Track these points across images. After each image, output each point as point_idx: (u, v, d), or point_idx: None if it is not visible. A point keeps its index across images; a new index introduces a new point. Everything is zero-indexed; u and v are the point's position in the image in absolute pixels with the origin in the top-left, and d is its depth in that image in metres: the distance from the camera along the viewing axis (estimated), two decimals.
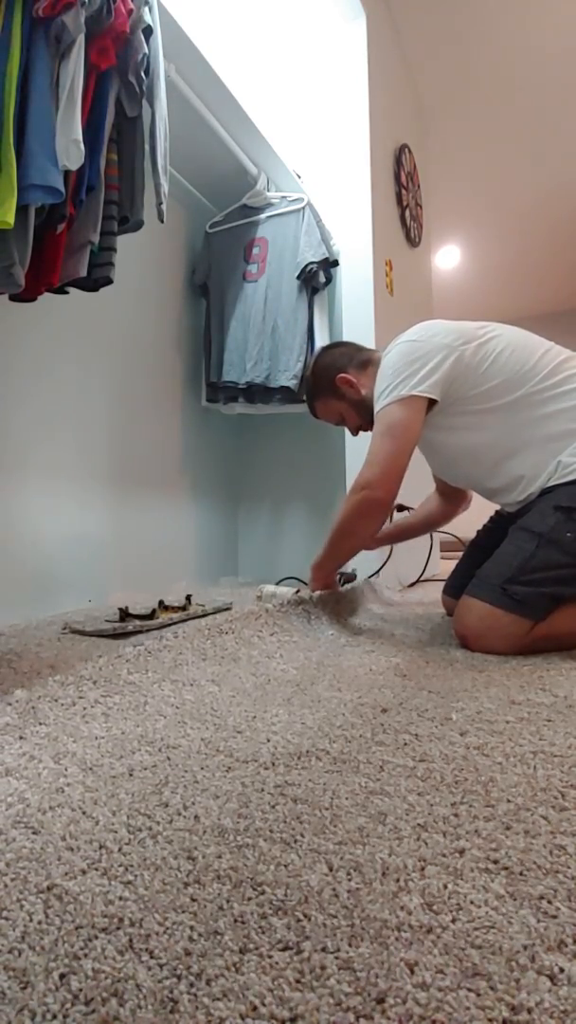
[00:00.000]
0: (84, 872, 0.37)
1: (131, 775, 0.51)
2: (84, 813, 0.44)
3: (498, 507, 1.36)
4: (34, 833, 0.41)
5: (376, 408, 1.16)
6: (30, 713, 0.64)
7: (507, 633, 1.01)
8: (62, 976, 0.29)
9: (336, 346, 1.42)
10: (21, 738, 0.58)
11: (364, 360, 1.34)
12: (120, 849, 0.40)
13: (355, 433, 1.43)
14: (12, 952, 0.30)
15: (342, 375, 1.32)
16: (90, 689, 0.71)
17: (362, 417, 1.35)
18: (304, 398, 1.91)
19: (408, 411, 1.11)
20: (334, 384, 1.33)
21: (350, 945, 0.31)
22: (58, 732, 0.60)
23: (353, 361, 1.34)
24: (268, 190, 1.99)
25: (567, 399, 1.09)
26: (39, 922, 0.33)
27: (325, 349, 1.44)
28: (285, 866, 0.38)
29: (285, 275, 1.95)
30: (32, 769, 0.51)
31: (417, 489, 1.63)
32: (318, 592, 1.30)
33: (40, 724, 0.62)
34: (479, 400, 1.13)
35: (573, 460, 1.06)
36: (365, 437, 1.95)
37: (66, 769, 0.52)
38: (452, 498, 1.53)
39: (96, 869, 0.38)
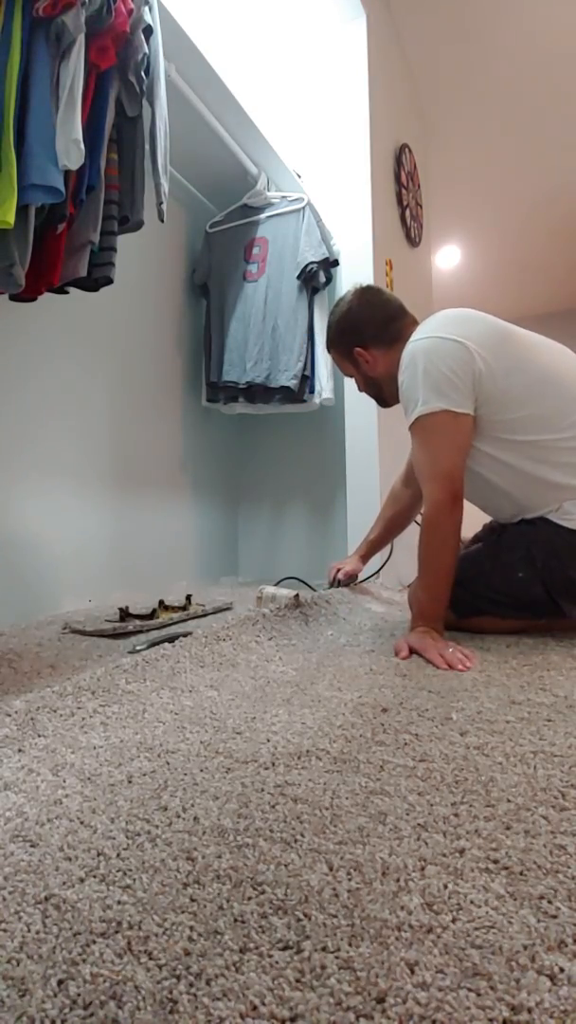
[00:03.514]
0: (82, 880, 0.37)
1: (130, 782, 0.51)
2: (82, 823, 0.44)
3: None
4: (32, 846, 0.41)
5: (415, 415, 1.08)
6: (29, 725, 0.63)
7: None
8: (60, 982, 0.29)
9: (372, 299, 1.27)
10: (20, 751, 0.58)
11: (394, 336, 1.22)
12: (118, 855, 0.40)
13: (360, 391, 1.37)
14: (11, 962, 0.30)
15: (360, 350, 1.25)
16: (88, 699, 0.71)
17: (369, 391, 1.32)
18: (304, 398, 1.92)
19: (467, 426, 1.06)
20: (351, 352, 1.27)
21: (350, 945, 0.31)
22: (56, 744, 0.60)
23: (381, 336, 1.23)
24: (268, 190, 1.99)
25: None
26: (37, 931, 0.33)
27: (361, 297, 1.27)
28: (285, 866, 0.38)
29: (285, 275, 1.95)
30: (30, 782, 0.51)
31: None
32: (316, 594, 1.30)
33: (39, 736, 0.62)
34: (500, 428, 1.08)
35: (572, 491, 1.05)
36: (364, 436, 1.95)
37: (64, 780, 0.52)
38: (417, 485, 1.41)
39: (94, 876, 0.38)
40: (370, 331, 1.24)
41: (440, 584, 1.06)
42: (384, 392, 1.29)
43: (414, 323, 1.23)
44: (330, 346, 1.35)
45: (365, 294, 1.29)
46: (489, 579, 1.11)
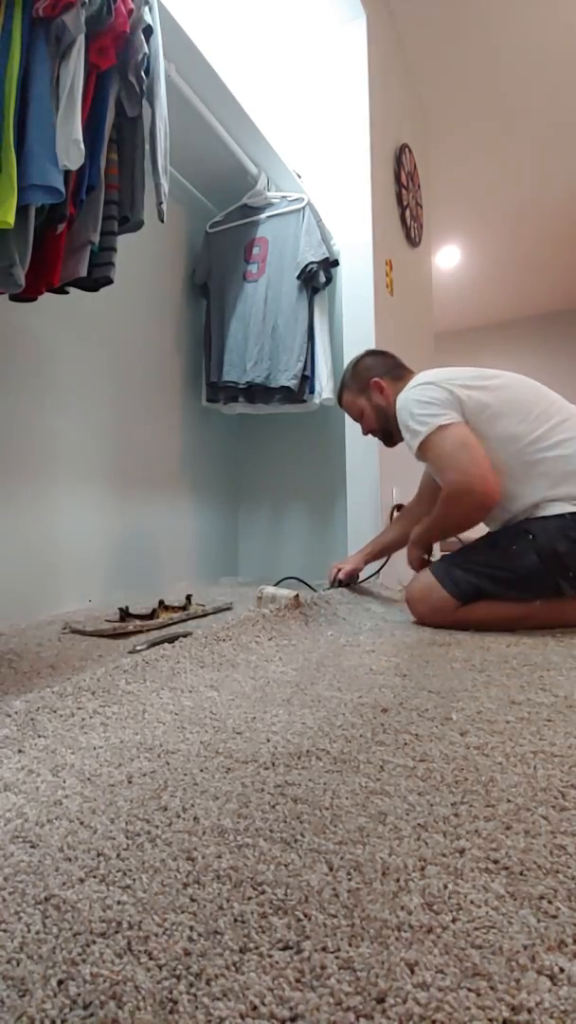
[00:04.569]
0: (82, 880, 0.37)
1: (130, 782, 0.51)
2: (82, 823, 0.44)
3: None
4: (32, 847, 0.41)
5: (418, 439, 1.23)
6: (29, 725, 0.63)
7: (435, 606, 1.22)
8: (60, 982, 0.29)
9: (382, 353, 1.54)
10: (20, 751, 0.58)
11: (399, 375, 1.46)
12: (118, 855, 0.40)
13: (365, 433, 1.57)
14: (10, 962, 0.30)
15: (376, 380, 1.46)
16: (88, 700, 0.71)
17: (378, 422, 1.50)
18: (304, 398, 1.93)
19: (464, 429, 1.21)
20: (367, 384, 1.47)
21: (350, 945, 0.31)
22: (56, 744, 0.60)
23: (390, 373, 1.47)
24: (268, 190, 1.99)
25: (557, 464, 1.18)
26: (37, 932, 0.33)
27: (372, 353, 1.56)
28: (285, 866, 0.38)
29: (285, 275, 1.95)
30: (30, 783, 0.51)
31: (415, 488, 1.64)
32: (316, 594, 1.32)
33: (39, 736, 0.61)
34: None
35: (553, 504, 1.18)
36: (366, 438, 1.96)
37: (64, 781, 0.51)
38: (435, 502, 1.57)
39: (94, 877, 0.38)
40: (381, 368, 1.48)
41: (439, 533, 1.34)
42: (391, 424, 1.44)
43: (411, 372, 1.45)
44: (345, 390, 1.55)
45: (374, 351, 1.57)
46: (486, 556, 1.19)
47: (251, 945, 0.31)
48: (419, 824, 0.44)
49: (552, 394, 1.29)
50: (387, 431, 1.48)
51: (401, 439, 1.42)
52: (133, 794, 0.49)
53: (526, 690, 0.77)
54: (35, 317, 1.44)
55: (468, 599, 1.19)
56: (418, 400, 1.25)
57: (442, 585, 1.20)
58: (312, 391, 1.94)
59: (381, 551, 1.65)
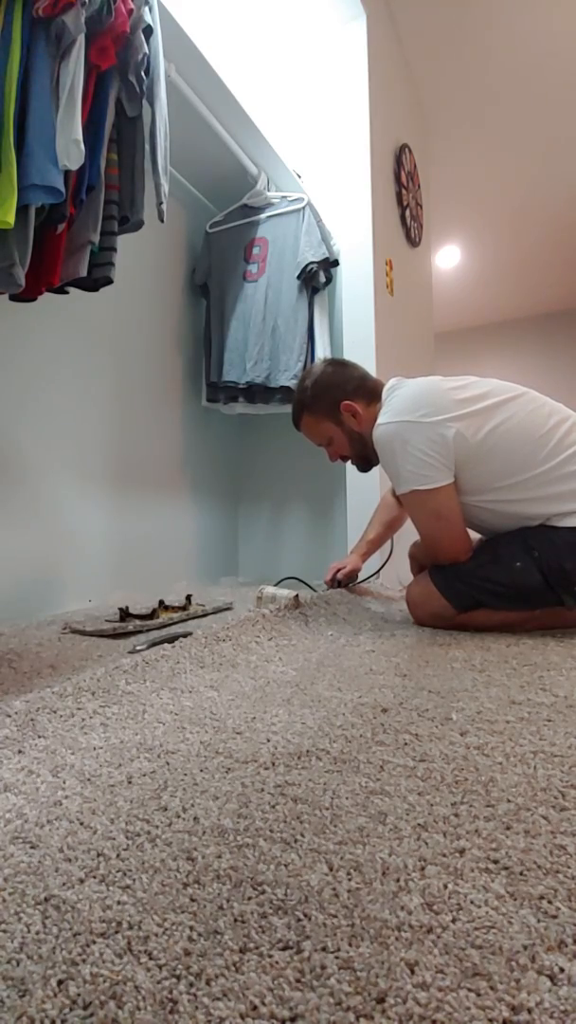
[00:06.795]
0: (82, 881, 0.37)
1: (130, 783, 0.51)
2: (82, 824, 0.44)
3: None
4: (32, 847, 0.41)
5: (404, 488, 1.17)
6: (29, 726, 0.63)
7: (435, 612, 1.20)
8: (60, 982, 0.29)
9: (343, 365, 1.34)
10: (20, 752, 0.58)
11: (370, 391, 1.27)
12: (118, 855, 0.40)
13: (333, 459, 1.39)
14: (10, 962, 0.30)
15: (348, 402, 1.26)
16: (88, 700, 0.71)
17: (354, 450, 1.32)
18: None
19: (445, 495, 1.15)
20: (336, 407, 1.27)
21: (350, 945, 0.31)
22: (56, 744, 0.60)
23: (361, 391, 1.27)
24: (268, 190, 1.99)
25: (566, 482, 1.11)
26: (37, 932, 0.32)
27: (331, 364, 1.34)
28: (285, 866, 0.38)
29: (285, 275, 1.95)
30: (30, 784, 0.51)
31: None
32: (316, 594, 1.31)
33: (39, 737, 0.61)
34: (485, 479, 1.15)
35: (567, 517, 1.12)
36: None
37: (64, 782, 0.51)
38: None
39: (94, 877, 0.38)
40: (351, 385, 1.28)
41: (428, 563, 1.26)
42: (368, 450, 1.27)
43: (380, 384, 1.29)
44: (305, 413, 1.33)
45: (332, 361, 1.37)
46: (488, 571, 1.15)
47: (251, 945, 0.31)
48: (419, 824, 0.44)
49: (548, 400, 1.20)
50: (364, 457, 1.32)
51: (379, 463, 1.28)
52: (133, 794, 0.49)
53: (526, 690, 0.77)
54: (35, 317, 1.44)
55: (468, 609, 1.18)
56: (407, 452, 1.13)
57: (442, 594, 1.18)
58: None
59: (373, 548, 1.64)
